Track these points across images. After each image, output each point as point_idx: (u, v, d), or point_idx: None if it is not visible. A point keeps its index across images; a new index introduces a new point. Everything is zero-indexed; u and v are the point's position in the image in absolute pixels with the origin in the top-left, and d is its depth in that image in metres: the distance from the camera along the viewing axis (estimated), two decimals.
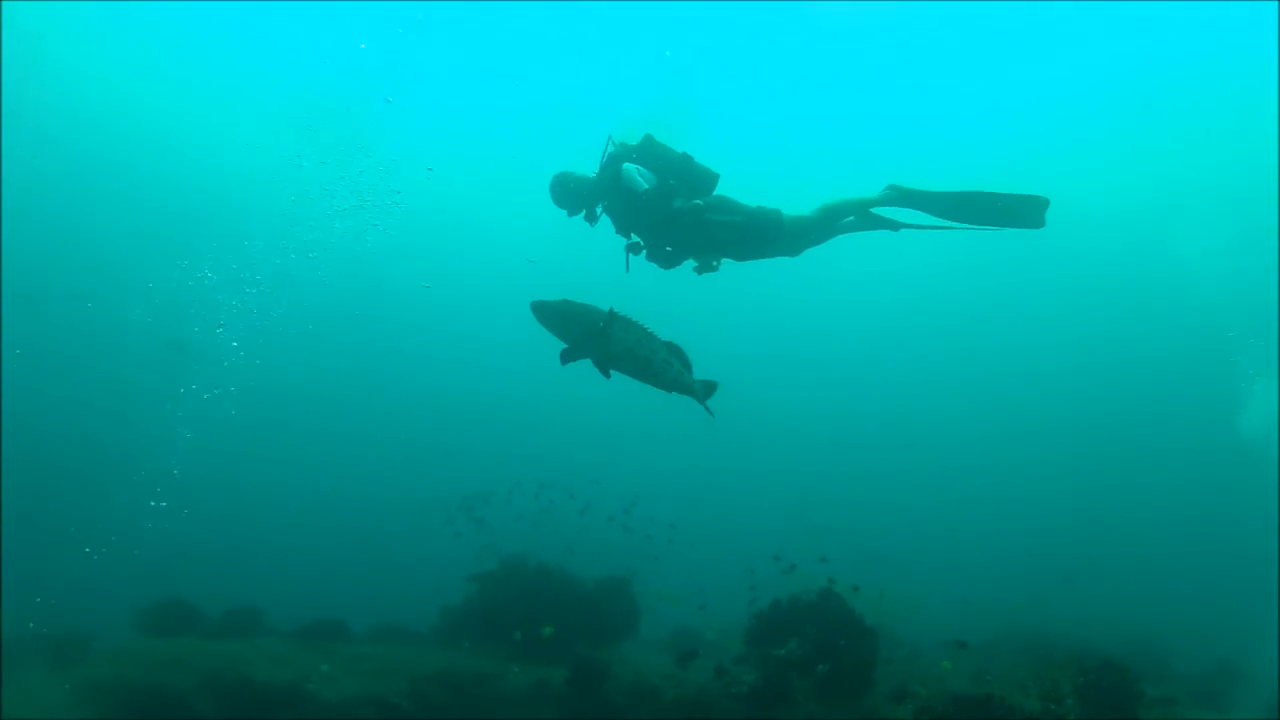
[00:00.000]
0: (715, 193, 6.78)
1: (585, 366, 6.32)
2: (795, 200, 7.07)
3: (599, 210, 6.79)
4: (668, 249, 6.70)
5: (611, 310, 6.09)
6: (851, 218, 6.96)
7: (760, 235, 6.70)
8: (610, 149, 6.70)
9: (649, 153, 6.65)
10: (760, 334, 40.85)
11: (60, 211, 34.55)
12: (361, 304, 40.64)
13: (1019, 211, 6.57)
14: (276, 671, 11.03)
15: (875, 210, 6.96)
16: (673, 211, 6.52)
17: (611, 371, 6.25)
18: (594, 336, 6.06)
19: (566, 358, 6.21)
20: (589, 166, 6.80)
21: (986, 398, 42.20)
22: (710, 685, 9.84)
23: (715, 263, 6.80)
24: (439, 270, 40.13)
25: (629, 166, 6.52)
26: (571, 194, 6.77)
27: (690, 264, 6.86)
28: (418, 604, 15.43)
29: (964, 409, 41.83)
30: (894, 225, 6.98)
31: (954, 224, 6.81)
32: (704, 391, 6.46)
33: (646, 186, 6.46)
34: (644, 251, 6.78)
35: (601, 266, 7.12)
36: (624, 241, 6.83)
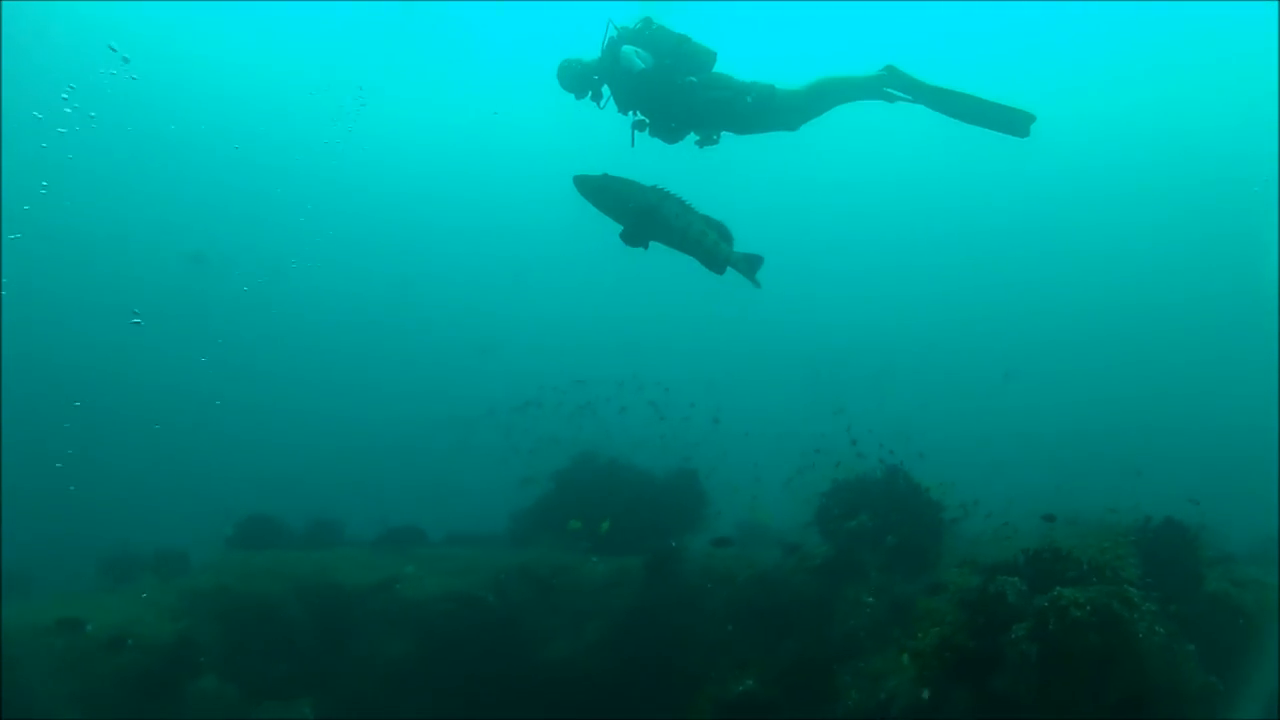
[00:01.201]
0: (714, 70, 7.11)
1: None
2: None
3: (605, 91, 7.13)
4: (671, 125, 7.09)
5: (654, 187, 6.39)
6: (849, 91, 7.29)
7: (755, 109, 7.07)
8: (611, 33, 7.01)
9: (647, 35, 6.96)
10: (782, 222, 40.58)
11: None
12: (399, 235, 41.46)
13: (1006, 121, 6.95)
14: (363, 575, 11.55)
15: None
16: (671, 88, 6.88)
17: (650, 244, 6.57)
18: (640, 209, 6.35)
19: (629, 239, 6.49)
20: (592, 53, 7.14)
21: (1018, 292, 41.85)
22: (783, 563, 10.15)
23: (715, 136, 7.25)
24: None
25: (627, 48, 6.84)
26: (575, 77, 7.13)
27: (693, 139, 7.27)
28: (486, 511, 15.95)
29: (991, 304, 41.52)
30: (890, 97, 7.23)
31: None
32: (746, 264, 6.64)
33: (643, 66, 6.76)
34: (648, 128, 7.14)
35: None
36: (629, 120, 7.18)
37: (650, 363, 24.41)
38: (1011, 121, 6.94)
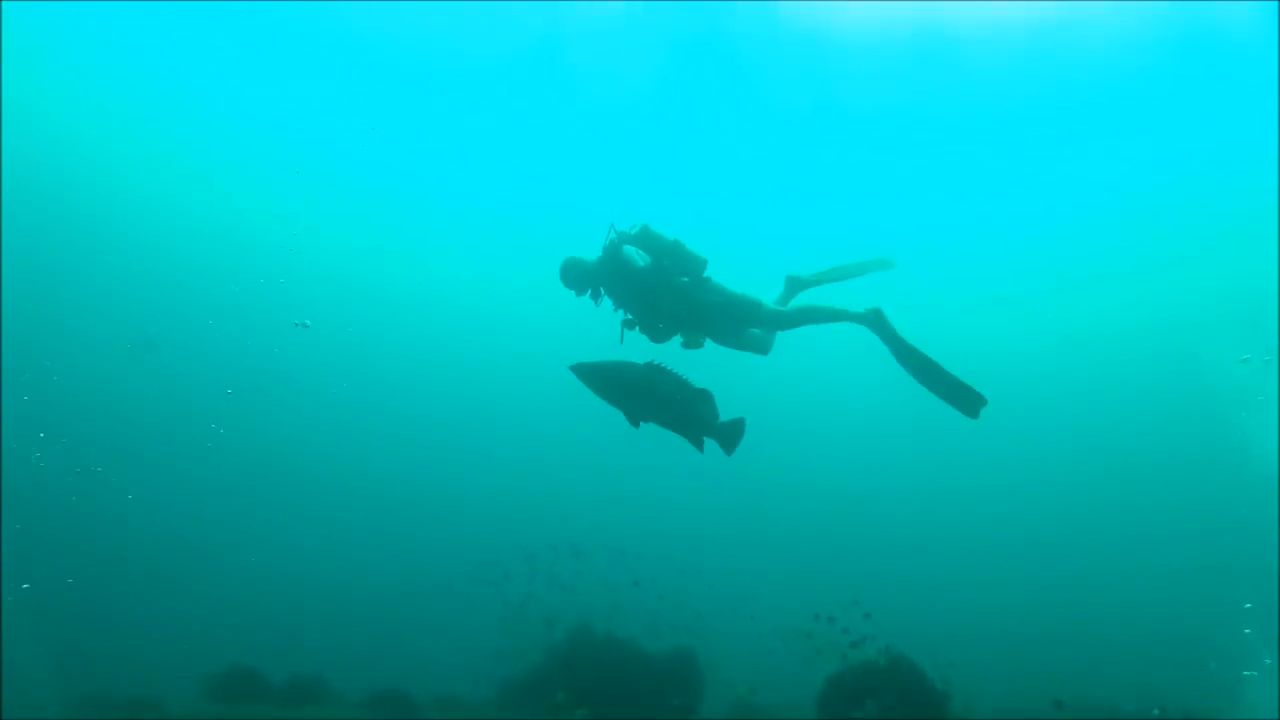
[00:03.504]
0: (704, 276, 7.46)
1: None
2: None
3: (601, 290, 7.45)
4: (659, 325, 7.40)
5: (650, 363, 6.68)
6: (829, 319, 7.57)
7: (740, 317, 7.48)
8: (611, 235, 7.43)
9: (645, 239, 7.40)
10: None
11: None
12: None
13: (960, 396, 7.10)
14: None
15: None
16: (664, 289, 7.25)
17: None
18: (638, 390, 6.66)
19: (634, 420, 6.79)
20: (592, 252, 7.51)
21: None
22: None
23: (700, 339, 7.51)
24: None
25: (629, 248, 7.27)
26: (578, 276, 7.45)
27: (679, 340, 7.53)
28: (472, 675, 15.44)
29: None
30: (852, 318, 7.40)
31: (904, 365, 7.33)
32: (728, 432, 6.85)
33: (643, 264, 7.19)
34: (637, 326, 7.43)
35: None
36: (621, 317, 7.47)
37: (618, 529, 24.24)
38: (967, 400, 7.06)
